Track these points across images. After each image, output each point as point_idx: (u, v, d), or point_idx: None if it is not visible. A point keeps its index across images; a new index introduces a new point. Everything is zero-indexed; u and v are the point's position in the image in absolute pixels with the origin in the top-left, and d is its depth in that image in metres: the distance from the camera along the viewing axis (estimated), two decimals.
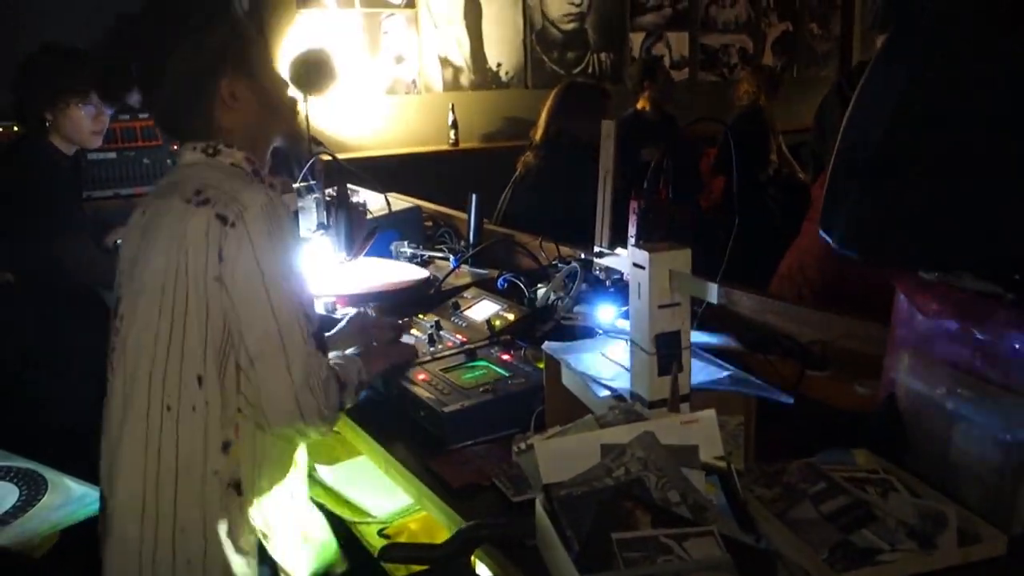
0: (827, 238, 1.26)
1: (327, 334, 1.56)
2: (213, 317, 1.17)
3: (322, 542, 1.47)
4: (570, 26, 5.79)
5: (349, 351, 1.43)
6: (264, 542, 1.26)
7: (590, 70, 5.88)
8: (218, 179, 1.22)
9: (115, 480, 1.24)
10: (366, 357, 1.41)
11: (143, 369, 1.21)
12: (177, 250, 1.17)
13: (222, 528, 1.21)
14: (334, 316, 1.74)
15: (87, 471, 1.61)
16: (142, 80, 1.27)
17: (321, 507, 1.87)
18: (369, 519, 1.76)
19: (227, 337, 1.18)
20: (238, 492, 1.23)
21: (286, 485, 1.33)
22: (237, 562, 1.22)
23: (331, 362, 1.30)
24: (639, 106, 4.67)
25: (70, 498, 1.69)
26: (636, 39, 6.03)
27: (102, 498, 1.29)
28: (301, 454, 1.38)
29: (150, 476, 1.20)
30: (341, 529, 1.81)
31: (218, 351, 1.18)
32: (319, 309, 1.77)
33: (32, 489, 1.72)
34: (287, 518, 1.33)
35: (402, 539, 1.70)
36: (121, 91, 1.30)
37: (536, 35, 5.66)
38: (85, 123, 2.46)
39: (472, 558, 1.08)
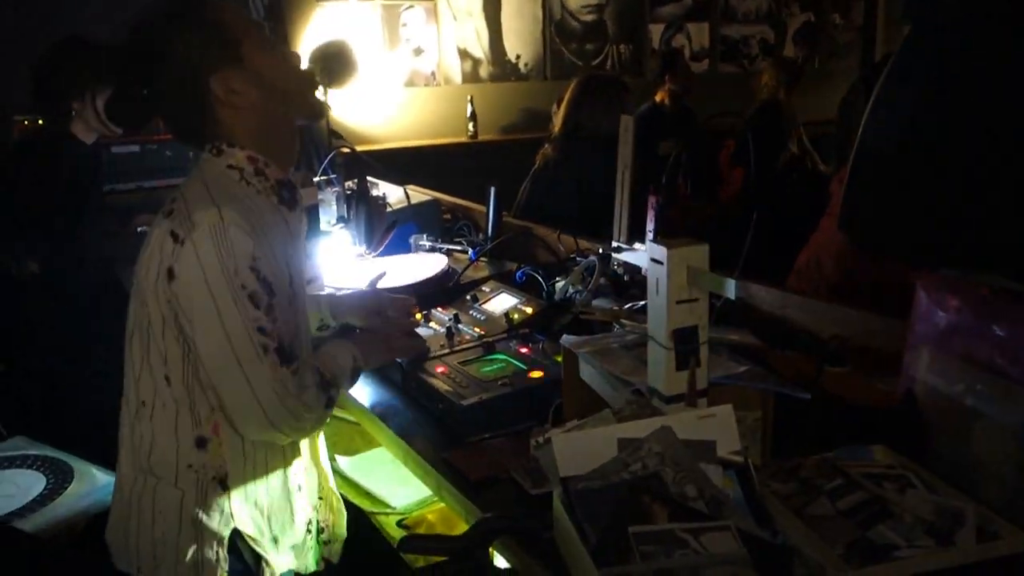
0: (846, 233, 1.26)
1: (334, 295, 1.58)
2: (170, 327, 1.20)
3: (329, 534, 1.48)
4: (589, 17, 5.76)
5: (348, 340, 1.45)
6: (250, 534, 1.28)
7: (609, 62, 5.86)
8: (193, 186, 1.22)
9: (118, 462, 1.30)
10: (368, 342, 1.43)
11: (128, 364, 1.27)
12: (146, 262, 1.20)
13: (197, 516, 1.24)
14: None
15: (113, 459, 1.64)
16: (147, 105, 1.26)
17: (340, 497, 1.90)
18: (388, 510, 1.78)
19: (189, 346, 1.20)
20: (223, 487, 1.25)
21: (287, 477, 1.34)
22: (208, 548, 1.25)
23: (318, 356, 1.32)
24: (657, 99, 4.65)
25: (96, 487, 1.72)
26: (655, 30, 6.00)
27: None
28: (303, 445, 1.39)
29: (133, 467, 1.26)
30: (360, 519, 1.83)
31: (182, 357, 1.21)
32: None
33: (59, 478, 1.76)
34: (283, 510, 1.33)
35: (420, 530, 1.72)
36: (131, 116, 1.30)
37: (555, 26, 5.65)
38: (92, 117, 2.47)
39: (490, 549, 1.09)
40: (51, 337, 2.45)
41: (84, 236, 2.44)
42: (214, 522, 1.25)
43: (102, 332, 2.17)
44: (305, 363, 1.25)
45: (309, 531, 1.41)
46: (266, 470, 1.30)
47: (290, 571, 1.38)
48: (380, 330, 1.58)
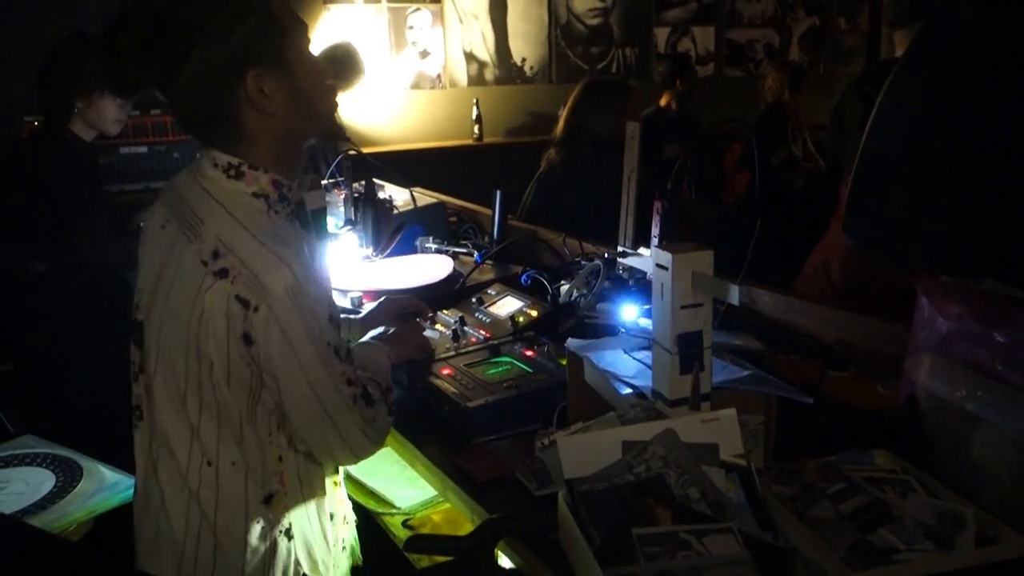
0: (850, 239, 1.27)
1: (359, 317, 1.60)
2: (243, 389, 1.12)
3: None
4: (595, 21, 5.78)
5: (372, 333, 1.47)
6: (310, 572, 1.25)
7: (615, 65, 5.87)
8: (237, 235, 1.09)
9: (157, 510, 1.21)
10: (393, 339, 1.45)
11: (176, 428, 1.16)
12: (197, 325, 1.09)
13: (262, 569, 1.19)
14: (360, 311, 1.77)
15: (118, 457, 1.66)
16: (158, 71, 1.11)
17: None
18: (394, 510, 1.79)
19: (259, 400, 1.14)
20: (289, 537, 1.21)
21: (333, 508, 1.31)
22: None
23: (366, 367, 1.29)
24: (662, 103, 4.67)
25: (104, 485, 1.74)
26: (661, 34, 6.01)
27: (139, 509, 1.26)
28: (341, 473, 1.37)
29: (193, 527, 1.17)
30: (366, 519, 1.84)
31: (251, 415, 1.15)
32: (345, 304, 1.80)
33: (67, 476, 1.77)
34: (326, 541, 1.30)
35: (426, 530, 1.73)
36: (132, 83, 1.13)
37: (561, 30, 5.66)
38: (112, 111, 2.49)
39: (495, 550, 1.10)
40: (56, 337, 2.47)
41: (88, 236, 2.44)
42: (279, 571, 1.21)
43: (105, 332, 2.18)
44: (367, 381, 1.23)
45: (344, 549, 1.37)
46: (317, 509, 1.26)
47: None
48: (400, 329, 1.59)
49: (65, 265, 2.48)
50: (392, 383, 1.34)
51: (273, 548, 1.20)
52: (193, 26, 1.07)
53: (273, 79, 1.11)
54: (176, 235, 1.15)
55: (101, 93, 2.44)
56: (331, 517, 1.31)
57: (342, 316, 1.58)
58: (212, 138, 1.16)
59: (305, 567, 1.24)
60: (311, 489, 1.25)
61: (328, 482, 1.30)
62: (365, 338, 1.47)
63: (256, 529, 1.18)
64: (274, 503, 1.19)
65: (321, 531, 1.28)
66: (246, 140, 1.15)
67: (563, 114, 3.09)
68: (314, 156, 2.73)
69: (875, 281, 1.79)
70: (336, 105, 1.26)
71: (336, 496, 1.33)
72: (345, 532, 1.38)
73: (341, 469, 1.37)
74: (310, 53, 1.18)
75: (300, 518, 1.23)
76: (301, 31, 1.16)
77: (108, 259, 2.48)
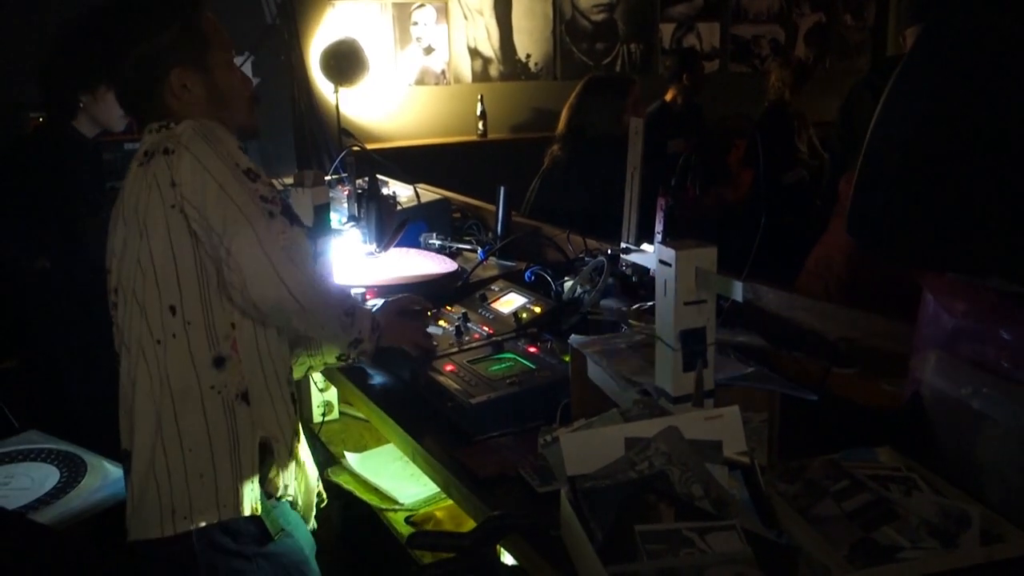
0: (855, 236, 1.26)
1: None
2: (180, 245, 1.27)
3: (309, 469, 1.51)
4: (600, 17, 5.77)
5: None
6: (269, 452, 1.34)
7: (619, 61, 5.86)
8: (168, 133, 1.31)
9: (133, 426, 1.32)
10: (388, 322, 1.47)
11: (135, 319, 1.31)
12: (138, 201, 1.29)
13: (228, 440, 1.29)
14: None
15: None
16: (106, 65, 1.38)
17: (348, 494, 1.92)
18: (396, 506, 1.80)
19: (199, 259, 1.27)
20: (247, 402, 1.31)
21: (289, 397, 1.39)
22: (245, 471, 1.30)
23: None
24: (667, 98, 4.66)
25: (108, 480, 1.74)
26: (666, 30, 5.99)
27: (124, 453, 1.36)
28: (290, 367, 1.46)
29: (158, 408, 1.29)
30: (369, 515, 1.85)
31: (193, 274, 1.28)
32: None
33: (72, 471, 1.78)
34: (289, 431, 1.39)
35: (428, 527, 1.73)
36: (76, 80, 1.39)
37: (565, 26, 5.65)
38: (118, 107, 2.47)
39: (498, 547, 1.10)
40: (60, 333, 2.47)
41: (92, 233, 2.44)
42: (245, 436, 1.30)
43: (110, 328, 2.18)
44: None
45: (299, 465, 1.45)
46: (277, 387, 1.36)
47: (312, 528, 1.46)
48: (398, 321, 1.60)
49: (70, 262, 2.48)
50: (362, 317, 1.40)
51: (232, 413, 1.30)
52: (133, 30, 1.35)
53: (194, 76, 1.36)
54: (127, 191, 1.34)
55: (107, 88, 2.42)
56: (295, 403, 1.40)
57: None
58: (149, 117, 1.38)
59: (271, 437, 1.33)
60: (270, 360, 1.34)
61: (285, 364, 1.39)
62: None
63: (210, 393, 1.29)
64: (227, 367, 1.29)
65: (284, 406, 1.36)
66: (173, 116, 1.36)
67: (565, 111, 3.09)
68: (317, 151, 2.73)
69: (878, 278, 1.79)
70: (251, 104, 1.46)
71: (286, 375, 1.40)
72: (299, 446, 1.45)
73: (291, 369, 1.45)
74: (232, 64, 1.44)
75: (258, 387, 1.33)
76: (224, 45, 1.41)
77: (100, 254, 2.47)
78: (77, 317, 2.45)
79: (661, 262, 1.08)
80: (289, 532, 1.38)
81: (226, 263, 1.23)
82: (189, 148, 1.25)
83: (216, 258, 1.25)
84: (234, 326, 1.30)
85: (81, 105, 2.45)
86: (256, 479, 1.31)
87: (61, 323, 2.46)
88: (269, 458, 1.34)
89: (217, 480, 1.28)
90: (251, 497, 1.30)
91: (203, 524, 1.27)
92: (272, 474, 1.35)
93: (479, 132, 5.29)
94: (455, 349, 1.59)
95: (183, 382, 1.28)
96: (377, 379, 1.64)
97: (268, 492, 1.35)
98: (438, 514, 1.77)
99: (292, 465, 1.40)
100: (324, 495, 1.56)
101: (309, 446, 1.52)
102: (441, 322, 1.74)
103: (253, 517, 1.30)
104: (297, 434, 1.43)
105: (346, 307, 1.37)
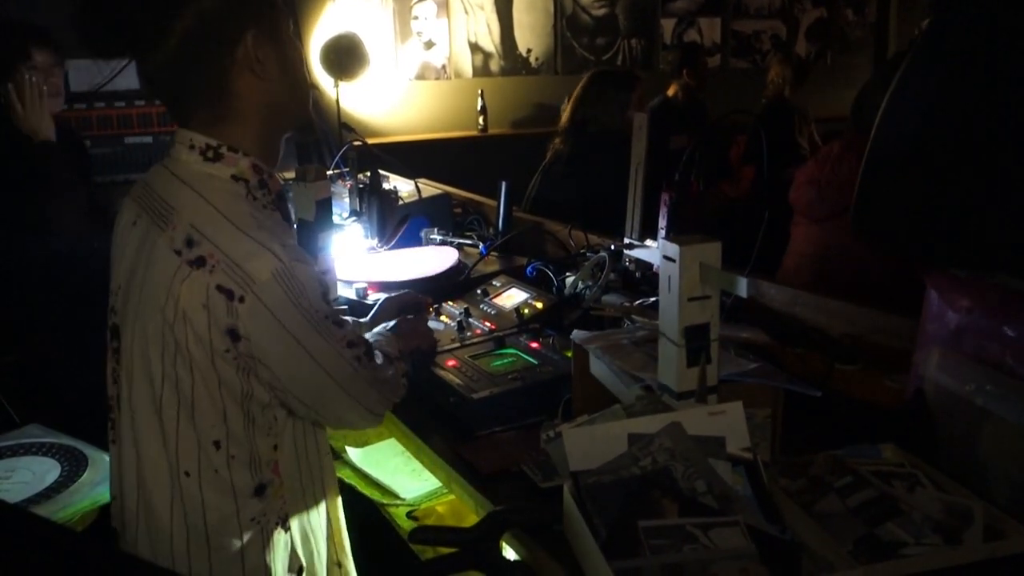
0: (859, 231, 1.26)
1: (364, 320, 1.60)
2: (229, 384, 1.06)
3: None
4: (601, 12, 5.75)
5: (380, 328, 1.47)
6: (310, 564, 1.22)
7: (620, 56, 5.85)
8: (214, 222, 1.04)
9: (139, 528, 1.16)
10: (400, 332, 1.45)
11: (152, 433, 1.10)
12: (172, 320, 1.03)
13: (264, 564, 1.15)
14: (365, 302, 1.77)
15: None
16: (148, 27, 1.03)
17: (350, 488, 1.91)
18: (398, 501, 1.79)
19: (249, 393, 1.08)
20: (285, 528, 1.17)
21: (323, 504, 1.26)
22: None
23: (377, 341, 1.33)
24: (669, 93, 4.65)
25: (108, 474, 1.74)
26: (667, 25, 5.98)
27: (120, 515, 1.20)
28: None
29: (186, 535, 1.12)
30: (371, 510, 1.84)
31: (240, 409, 1.09)
32: (350, 294, 1.80)
33: (73, 465, 1.77)
34: (324, 542, 1.27)
35: (430, 522, 1.73)
36: (109, 39, 1.05)
37: (566, 21, 5.64)
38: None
39: (500, 542, 1.10)
40: (58, 326, 2.46)
41: (63, 226, 2.37)
42: (279, 565, 1.17)
43: (96, 321, 2.15)
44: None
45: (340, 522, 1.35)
46: (314, 498, 1.23)
47: None
48: (404, 321, 1.58)
49: (54, 256, 2.44)
50: (403, 359, 1.34)
51: (271, 544, 1.15)
52: None
53: (267, 46, 1.07)
54: (147, 229, 1.09)
55: (22, 75, 2.27)
56: (328, 491, 1.27)
57: (349, 319, 1.58)
58: (194, 110, 1.10)
59: (303, 558, 1.20)
60: (304, 469, 1.20)
61: (324, 459, 1.25)
62: (369, 335, 1.46)
63: (250, 525, 1.13)
64: (269, 494, 1.14)
65: (324, 517, 1.26)
66: (232, 115, 1.09)
67: (568, 105, 3.08)
68: (318, 146, 2.72)
69: (878, 273, 1.79)
70: (310, 91, 1.21)
71: (330, 469, 1.29)
72: (338, 509, 1.33)
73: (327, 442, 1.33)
74: (297, 40, 1.15)
75: (296, 504, 1.19)
76: (290, 20, 1.14)
77: (97, 248, 2.43)
78: (71, 311, 2.44)
79: (665, 257, 1.07)
80: None
81: (311, 415, 1.15)
82: (265, 303, 1.00)
83: (287, 404, 1.11)
84: (276, 448, 1.13)
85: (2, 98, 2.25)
86: None
87: (60, 317, 2.46)
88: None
89: None
90: None
91: None
92: None
93: (480, 127, 5.28)
94: (457, 344, 1.59)
95: (220, 518, 1.10)
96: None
97: None
98: (440, 509, 1.77)
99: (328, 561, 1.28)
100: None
101: None
102: (443, 317, 1.74)
103: None
104: (337, 540, 1.30)
105: (400, 372, 1.28)
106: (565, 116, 3.08)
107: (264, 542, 1.15)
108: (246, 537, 1.13)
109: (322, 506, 1.26)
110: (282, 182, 1.19)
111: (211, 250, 1.02)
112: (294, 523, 1.19)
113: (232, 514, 1.12)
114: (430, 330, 1.58)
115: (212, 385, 1.06)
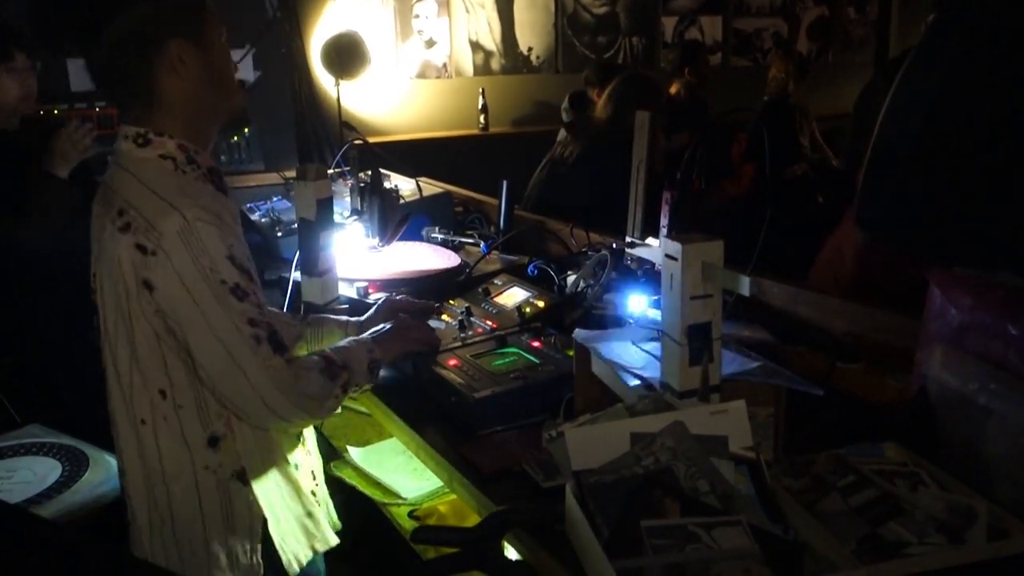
0: (862, 228, 1.26)
1: (360, 319, 1.59)
2: (165, 337, 1.19)
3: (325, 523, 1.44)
4: (602, 10, 5.75)
5: (366, 334, 1.45)
6: (268, 525, 1.28)
7: (621, 55, 5.84)
8: (140, 194, 1.18)
9: (124, 476, 1.30)
10: (384, 338, 1.42)
11: (114, 385, 1.26)
12: (114, 280, 1.19)
13: (221, 518, 1.25)
14: (366, 301, 1.77)
15: None
16: (84, 29, 1.19)
17: (351, 488, 1.91)
18: (399, 501, 1.79)
19: (185, 344, 1.19)
20: (243, 481, 1.25)
21: (296, 468, 1.34)
22: (239, 548, 1.26)
23: (331, 348, 1.33)
24: (671, 91, 4.64)
25: (111, 474, 1.74)
26: (668, 23, 5.98)
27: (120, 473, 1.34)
28: (309, 435, 1.41)
29: (147, 480, 1.25)
30: (372, 510, 1.84)
31: (180, 360, 1.20)
32: (351, 293, 1.80)
33: (74, 465, 1.77)
34: (292, 502, 1.34)
35: (431, 521, 1.73)
36: (60, 37, 1.21)
37: (567, 19, 5.63)
38: (11, 86, 2.32)
39: (502, 542, 1.10)
40: (58, 326, 2.45)
41: (34, 223, 2.35)
42: (240, 518, 1.26)
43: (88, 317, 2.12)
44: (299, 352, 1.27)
45: (319, 503, 1.40)
46: (277, 464, 1.30)
47: (319, 556, 1.39)
48: (396, 323, 1.58)
49: (53, 254, 2.41)
50: (356, 368, 1.31)
51: (227, 494, 1.24)
52: None
53: (192, 51, 1.22)
54: (101, 215, 1.24)
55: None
56: (296, 467, 1.34)
57: (348, 319, 1.58)
58: (130, 105, 1.24)
59: (269, 516, 1.27)
60: (265, 434, 1.27)
61: (290, 443, 1.32)
62: (365, 335, 1.45)
63: (204, 473, 1.23)
64: (221, 447, 1.23)
65: (282, 476, 1.30)
66: (159, 108, 1.23)
67: (607, 106, 2.99)
68: (319, 145, 2.71)
69: (885, 272, 1.78)
70: (239, 88, 1.37)
71: (299, 448, 1.35)
72: (314, 486, 1.39)
73: (310, 437, 1.39)
74: (225, 43, 1.29)
75: (254, 463, 1.26)
76: (220, 20, 1.27)
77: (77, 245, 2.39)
78: (75, 310, 2.43)
79: (667, 256, 1.07)
80: None
81: (213, 391, 1.20)
82: (170, 257, 1.13)
83: (207, 387, 1.20)
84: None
85: None
86: (257, 554, 1.27)
87: (59, 317, 2.45)
88: (270, 533, 1.29)
89: (210, 561, 1.25)
90: (250, 570, 1.27)
91: None
92: (278, 546, 1.29)
93: (481, 126, 5.27)
94: (458, 343, 1.58)
95: (176, 464, 1.23)
96: (380, 373, 1.64)
97: (276, 562, 1.29)
98: (441, 508, 1.77)
99: (301, 531, 1.34)
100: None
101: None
102: (444, 316, 1.73)
103: None
104: (306, 498, 1.36)
105: (339, 383, 1.27)
106: (603, 116, 2.99)
107: (220, 492, 1.24)
108: (202, 486, 1.24)
109: (285, 462, 1.31)
110: (283, 181, 1.25)
111: (134, 215, 1.17)
112: (252, 477, 1.26)
113: (188, 463, 1.23)
114: (430, 332, 1.56)
115: (150, 336, 1.19)
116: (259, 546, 1.27)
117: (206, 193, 1.22)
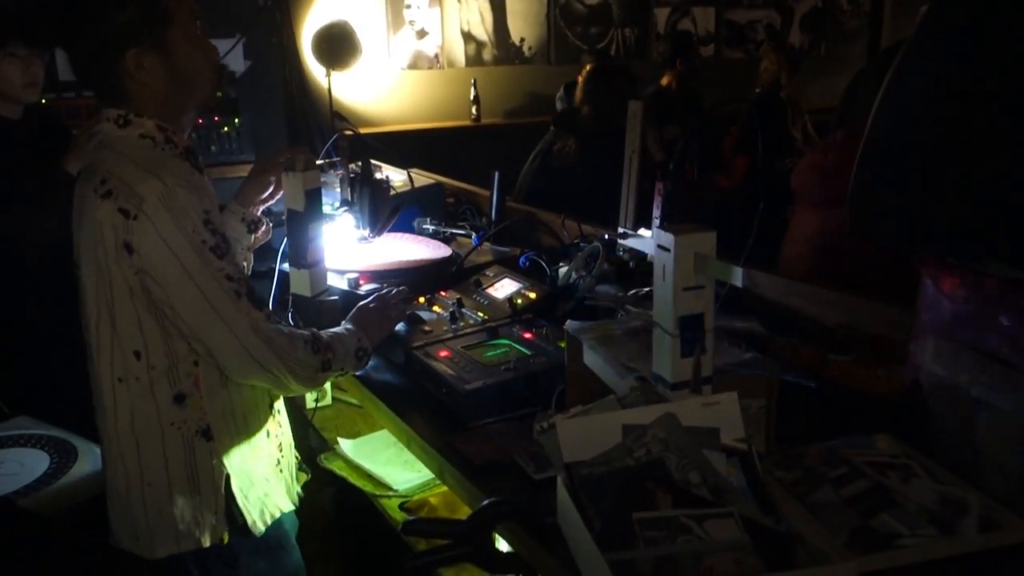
0: (854, 221, 1.25)
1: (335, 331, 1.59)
2: (139, 298, 1.25)
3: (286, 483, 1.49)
4: (594, 1, 5.72)
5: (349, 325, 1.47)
6: (232, 484, 1.33)
7: (614, 46, 5.82)
8: (121, 164, 1.25)
9: (102, 443, 1.36)
10: (365, 319, 1.47)
11: (93, 347, 1.32)
12: (95, 244, 1.24)
13: (187, 476, 1.30)
14: (357, 292, 1.75)
15: None
16: (62, 37, 1.31)
17: (342, 480, 1.91)
18: (390, 493, 1.79)
19: (164, 312, 1.25)
20: (207, 438, 1.31)
21: (267, 436, 1.40)
22: (204, 507, 1.31)
23: (329, 331, 1.39)
24: (663, 82, 4.63)
25: (99, 466, 1.72)
26: (661, 14, 5.96)
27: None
28: (282, 409, 1.47)
29: (118, 442, 1.32)
30: (363, 501, 1.84)
31: (157, 324, 1.26)
32: (341, 285, 1.78)
33: (63, 457, 1.76)
34: (257, 463, 1.39)
35: (422, 513, 1.73)
36: (44, 38, 1.33)
37: (560, 10, 5.61)
38: (16, 75, 2.26)
39: (493, 534, 1.10)
40: (47, 317, 2.43)
41: (26, 214, 2.32)
42: (205, 476, 1.31)
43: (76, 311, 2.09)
44: (286, 324, 1.31)
45: (280, 469, 1.46)
46: (245, 423, 1.35)
47: (290, 512, 1.46)
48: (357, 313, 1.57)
49: (38, 253, 2.39)
50: (341, 351, 1.36)
51: (191, 451, 1.30)
52: (85, 7, 1.27)
53: (153, 58, 1.28)
54: (82, 189, 1.30)
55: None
56: (267, 435, 1.40)
57: (240, 264, 1.61)
58: (105, 95, 1.33)
59: (233, 475, 1.32)
60: (231, 396, 1.33)
61: (260, 398, 1.38)
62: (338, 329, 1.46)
63: (170, 430, 1.29)
64: (188, 403, 1.29)
65: (248, 439, 1.35)
66: (132, 100, 1.31)
67: (579, 97, 3.02)
68: (310, 135, 2.69)
69: (876, 263, 1.78)
70: (218, 78, 1.40)
71: (271, 419, 1.41)
72: (280, 456, 1.45)
73: (279, 400, 1.44)
74: (196, 37, 1.34)
75: (219, 421, 1.31)
76: (189, 17, 1.32)
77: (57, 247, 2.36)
78: (64, 301, 2.41)
79: (659, 247, 1.06)
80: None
81: (197, 346, 1.26)
82: (152, 220, 1.20)
83: (177, 326, 1.25)
84: (197, 364, 1.29)
85: None
86: (220, 512, 1.32)
87: (49, 308, 2.43)
88: (233, 492, 1.33)
89: (175, 515, 1.30)
90: (214, 529, 1.32)
91: (163, 556, 1.31)
92: (242, 504, 1.34)
93: (472, 117, 5.25)
94: (450, 335, 1.58)
95: (144, 421, 1.29)
96: (370, 364, 1.63)
97: (239, 522, 1.34)
98: (432, 500, 1.77)
99: (264, 494, 1.39)
100: (308, 471, 1.58)
101: (301, 434, 1.51)
102: (435, 308, 1.72)
103: (219, 545, 1.32)
104: (271, 464, 1.42)
105: (323, 359, 1.33)
106: (588, 113, 3.02)
107: (186, 450, 1.30)
108: (167, 441, 1.29)
109: (255, 427, 1.37)
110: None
111: (116, 183, 1.23)
112: (216, 434, 1.31)
113: (154, 418, 1.29)
114: (397, 310, 1.57)
115: (126, 297, 1.25)
116: (223, 504, 1.32)
117: (184, 169, 1.29)
